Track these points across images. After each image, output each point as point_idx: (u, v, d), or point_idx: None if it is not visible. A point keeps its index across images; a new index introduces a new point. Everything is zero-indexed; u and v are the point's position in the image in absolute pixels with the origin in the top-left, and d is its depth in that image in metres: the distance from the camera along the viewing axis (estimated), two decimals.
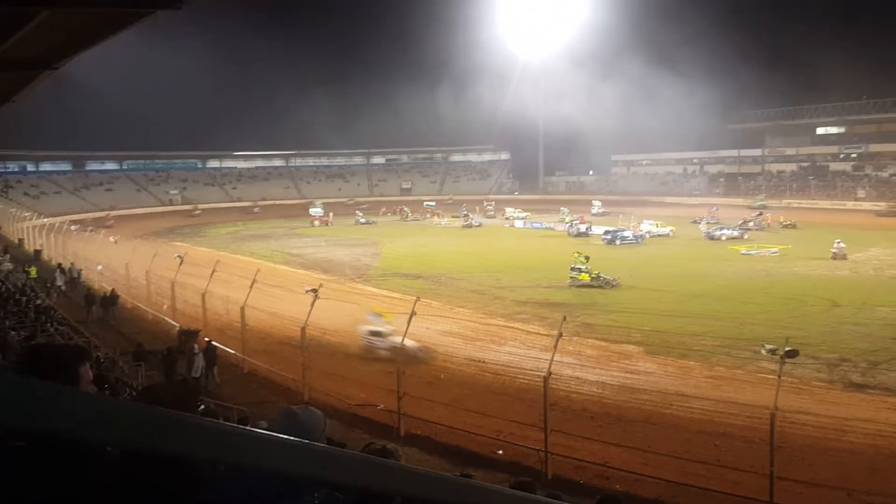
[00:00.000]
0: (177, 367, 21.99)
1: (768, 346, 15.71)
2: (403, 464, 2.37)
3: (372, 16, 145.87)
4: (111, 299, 33.00)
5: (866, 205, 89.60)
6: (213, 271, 26.92)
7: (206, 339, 23.56)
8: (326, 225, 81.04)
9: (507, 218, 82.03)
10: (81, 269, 40.74)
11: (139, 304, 33.45)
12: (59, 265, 42.43)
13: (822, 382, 20.38)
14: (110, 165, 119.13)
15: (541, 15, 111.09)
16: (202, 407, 11.04)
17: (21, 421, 1.19)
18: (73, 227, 49.92)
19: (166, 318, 29.23)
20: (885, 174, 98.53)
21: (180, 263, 30.99)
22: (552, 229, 72.82)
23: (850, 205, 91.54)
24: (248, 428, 1.43)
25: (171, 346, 23.96)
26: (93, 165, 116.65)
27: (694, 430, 16.19)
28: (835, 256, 45.59)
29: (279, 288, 26.24)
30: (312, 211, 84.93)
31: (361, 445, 5.62)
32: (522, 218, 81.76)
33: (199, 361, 21.79)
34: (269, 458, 1.33)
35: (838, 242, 46.26)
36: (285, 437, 1.45)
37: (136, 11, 11.89)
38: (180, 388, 3.22)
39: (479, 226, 77.84)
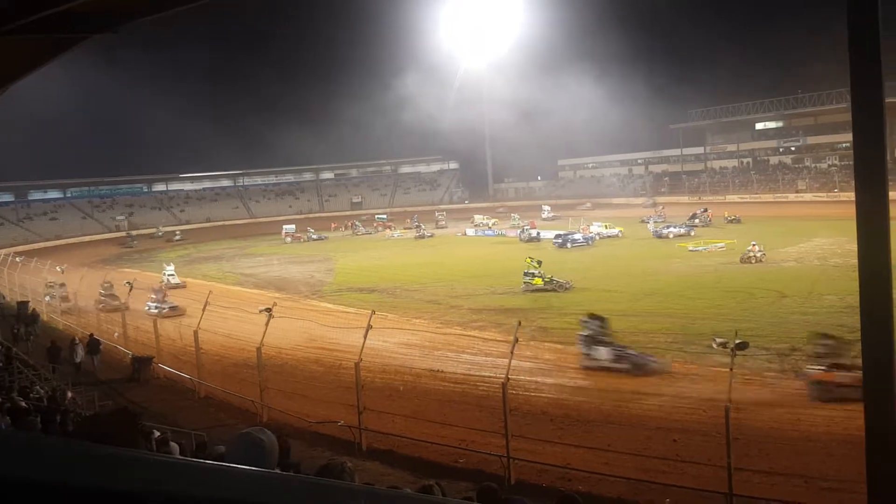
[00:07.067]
0: (61, 356, 26.38)
1: (719, 340, 15.98)
2: (350, 483, 2.38)
3: (314, 30, 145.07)
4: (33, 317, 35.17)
5: (807, 196, 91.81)
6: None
7: (90, 333, 28.46)
8: (300, 241, 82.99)
9: (476, 225, 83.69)
10: (29, 302, 39.78)
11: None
12: None
13: (774, 373, 20.81)
14: (53, 194, 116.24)
15: (483, 24, 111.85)
16: (157, 434, 10.88)
17: None
18: (18, 259, 48.65)
19: (118, 347, 28.65)
20: (823, 165, 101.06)
21: (130, 290, 30.45)
22: (504, 235, 73.53)
23: (791, 197, 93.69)
24: (186, 458, 1.43)
25: (55, 338, 28.55)
26: (36, 195, 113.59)
27: (652, 426, 16.43)
28: (742, 259, 43.24)
29: (233, 309, 25.94)
30: (286, 228, 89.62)
31: (321, 464, 5.61)
32: (491, 225, 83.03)
33: (80, 350, 26.89)
34: (212, 488, 1.34)
35: (754, 245, 44.09)
36: (229, 465, 1.45)
37: (71, 37, 11.67)
38: (120, 416, 3.17)
39: (431, 236, 78.12)
